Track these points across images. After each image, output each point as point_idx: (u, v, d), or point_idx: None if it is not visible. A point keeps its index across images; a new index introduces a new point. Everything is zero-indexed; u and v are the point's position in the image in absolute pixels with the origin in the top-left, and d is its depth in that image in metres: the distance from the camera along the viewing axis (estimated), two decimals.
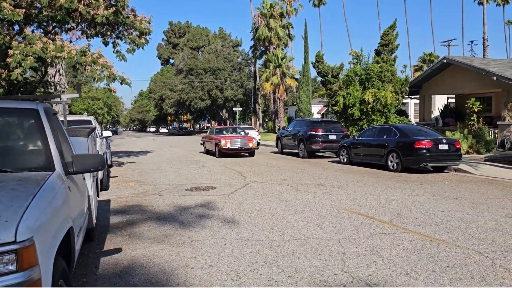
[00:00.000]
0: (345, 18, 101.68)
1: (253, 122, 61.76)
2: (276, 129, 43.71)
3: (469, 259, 4.84)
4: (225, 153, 19.32)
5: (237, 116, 61.46)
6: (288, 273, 4.48)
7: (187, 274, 4.51)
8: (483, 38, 46.74)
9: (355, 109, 22.83)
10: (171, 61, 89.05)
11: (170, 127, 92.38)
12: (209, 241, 5.75)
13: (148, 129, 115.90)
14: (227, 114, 75.43)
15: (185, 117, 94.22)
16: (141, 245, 5.64)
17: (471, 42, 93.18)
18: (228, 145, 19.09)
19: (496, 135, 19.90)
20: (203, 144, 22.96)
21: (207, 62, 65.80)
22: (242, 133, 21.32)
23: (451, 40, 61.02)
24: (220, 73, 65.17)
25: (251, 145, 19.45)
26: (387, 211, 7.51)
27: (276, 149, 22.94)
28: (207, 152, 21.90)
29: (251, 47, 54.47)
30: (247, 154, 20.21)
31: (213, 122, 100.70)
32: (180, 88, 67.52)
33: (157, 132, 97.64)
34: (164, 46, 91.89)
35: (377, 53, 25.40)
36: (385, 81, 23.15)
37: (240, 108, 62.01)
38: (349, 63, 25.52)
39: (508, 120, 19.27)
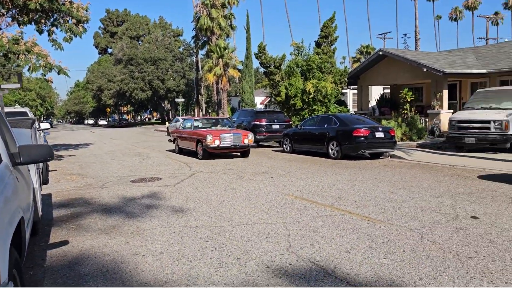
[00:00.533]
0: (286, 9, 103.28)
1: (196, 113, 61.30)
2: None
3: (402, 235, 5.31)
4: (212, 153, 14.57)
5: (180, 107, 60.72)
6: (237, 255, 4.69)
7: (138, 262, 4.58)
8: (415, 31, 49.26)
9: (297, 99, 23.42)
10: (109, 50, 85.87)
11: (110, 119, 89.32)
12: (158, 229, 5.82)
13: (86, 122, 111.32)
14: (169, 105, 74.21)
15: (126, 108, 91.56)
16: (88, 236, 5.60)
17: (405, 35, 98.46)
18: (217, 143, 14.18)
19: (427, 123, 21.29)
20: (173, 141, 17.81)
21: (148, 52, 64.21)
22: (228, 126, 16.43)
23: (386, 33, 63.94)
24: (162, 63, 63.88)
25: (246, 141, 14.63)
26: (329, 196, 7.93)
27: None
28: (181, 151, 16.98)
29: (193, 37, 53.78)
30: (239, 154, 15.51)
31: (154, 113, 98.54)
32: (119, 79, 65.41)
33: (95, 124, 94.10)
34: (102, 35, 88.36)
35: (317, 44, 26.13)
36: (325, 72, 23.90)
37: (183, 99, 61.27)
38: (290, 54, 26.07)
39: (437, 109, 20.68)
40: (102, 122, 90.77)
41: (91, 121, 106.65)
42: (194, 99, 63.77)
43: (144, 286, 3.95)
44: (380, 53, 24.10)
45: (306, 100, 23.33)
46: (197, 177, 10.52)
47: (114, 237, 5.54)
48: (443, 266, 4.23)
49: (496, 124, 13.58)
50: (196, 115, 58.62)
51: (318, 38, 26.27)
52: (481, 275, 4.00)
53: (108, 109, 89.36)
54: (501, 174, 9.96)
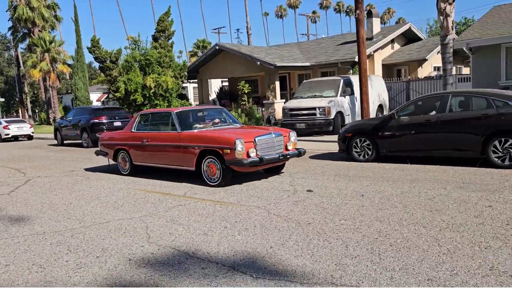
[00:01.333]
0: (118, 2, 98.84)
1: (21, 114, 54.74)
2: (51, 120, 39.97)
3: (251, 213, 5.84)
4: (240, 172, 8.13)
5: None
6: (96, 254, 4.58)
7: None
8: (247, 27, 52.23)
9: (138, 95, 22.92)
10: None
11: None
12: None
13: None
14: None
15: None
16: None
17: (237, 30, 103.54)
18: (252, 153, 7.75)
19: (264, 113, 23.05)
20: (114, 154, 10.31)
21: None
22: (232, 121, 9.74)
23: (220, 28, 66.43)
24: None
25: (290, 146, 8.63)
26: (181, 186, 8.15)
27: (55, 141, 21.19)
28: (134, 170, 9.92)
29: (9, 29, 47.61)
30: (262, 170, 8.98)
31: None
32: None
33: None
34: None
35: (155, 38, 25.88)
36: (165, 67, 23.89)
37: (2, 99, 53.97)
38: (125, 48, 25.32)
39: (271, 99, 22.53)
40: None
41: None
42: (17, 99, 56.73)
43: None
44: (217, 48, 25.07)
45: (147, 95, 23.01)
46: (35, 183, 9.62)
47: None
48: (288, 234, 4.85)
49: (320, 110, 15.53)
50: (21, 116, 52.25)
51: (155, 32, 26.02)
52: (318, 236, 4.72)
53: None
54: (327, 153, 11.52)
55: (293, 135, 8.78)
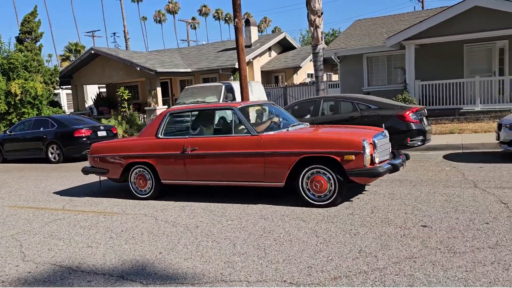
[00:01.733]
0: None
1: None
2: None
3: (138, 221, 5.73)
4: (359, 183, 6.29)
5: None
6: None
7: None
8: (124, 31, 50.32)
9: (1, 102, 20.66)
10: None
11: None
12: None
13: None
14: None
15: None
16: None
17: (114, 34, 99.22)
18: (377, 160, 5.82)
19: (145, 120, 22.46)
20: (121, 173, 7.32)
21: None
22: (285, 119, 7.33)
23: (95, 31, 63.01)
24: None
25: (390, 149, 6.79)
26: (58, 200, 7.61)
27: None
28: (159, 191, 7.13)
29: None
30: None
31: None
32: None
33: None
34: None
35: (19, 40, 23.62)
36: (33, 71, 21.92)
37: None
38: None
39: (153, 105, 22.08)
40: None
41: None
42: None
43: None
44: (93, 52, 23.78)
45: (13, 102, 20.87)
46: None
47: None
48: (177, 238, 4.88)
49: None
50: None
51: (20, 34, 23.76)
52: (206, 238, 4.83)
53: None
54: None
55: (387, 134, 6.73)
